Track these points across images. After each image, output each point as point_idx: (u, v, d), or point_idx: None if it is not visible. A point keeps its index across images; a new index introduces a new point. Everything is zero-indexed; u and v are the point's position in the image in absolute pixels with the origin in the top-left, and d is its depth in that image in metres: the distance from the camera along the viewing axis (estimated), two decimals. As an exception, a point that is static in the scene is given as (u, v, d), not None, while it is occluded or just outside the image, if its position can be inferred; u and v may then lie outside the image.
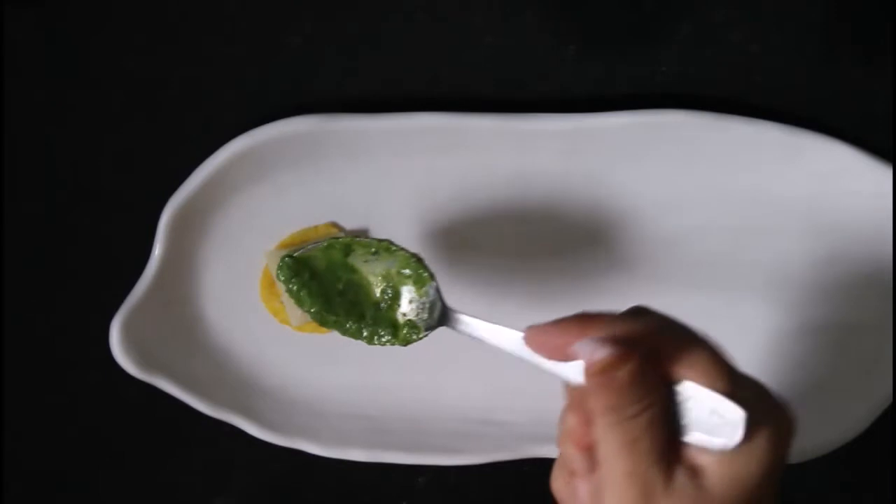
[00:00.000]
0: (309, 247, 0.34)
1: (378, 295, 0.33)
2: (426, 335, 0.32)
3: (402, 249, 0.33)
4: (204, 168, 0.36)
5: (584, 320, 0.26)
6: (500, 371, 0.38)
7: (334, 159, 0.36)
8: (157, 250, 0.36)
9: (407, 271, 0.33)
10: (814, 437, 0.36)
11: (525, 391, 0.37)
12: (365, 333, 0.33)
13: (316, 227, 0.37)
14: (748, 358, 0.37)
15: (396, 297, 0.33)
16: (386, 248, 0.33)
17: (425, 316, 0.32)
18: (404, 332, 0.32)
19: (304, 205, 0.37)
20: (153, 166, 0.37)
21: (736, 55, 0.37)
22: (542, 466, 0.38)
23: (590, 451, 0.26)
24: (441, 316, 0.32)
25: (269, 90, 0.37)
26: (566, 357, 0.26)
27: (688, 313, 0.37)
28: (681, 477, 0.25)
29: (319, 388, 0.38)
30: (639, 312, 0.27)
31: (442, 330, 0.38)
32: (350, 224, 0.37)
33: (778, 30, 0.37)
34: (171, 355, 0.36)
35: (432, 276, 0.32)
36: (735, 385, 0.25)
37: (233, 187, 0.36)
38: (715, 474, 0.25)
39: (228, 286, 0.37)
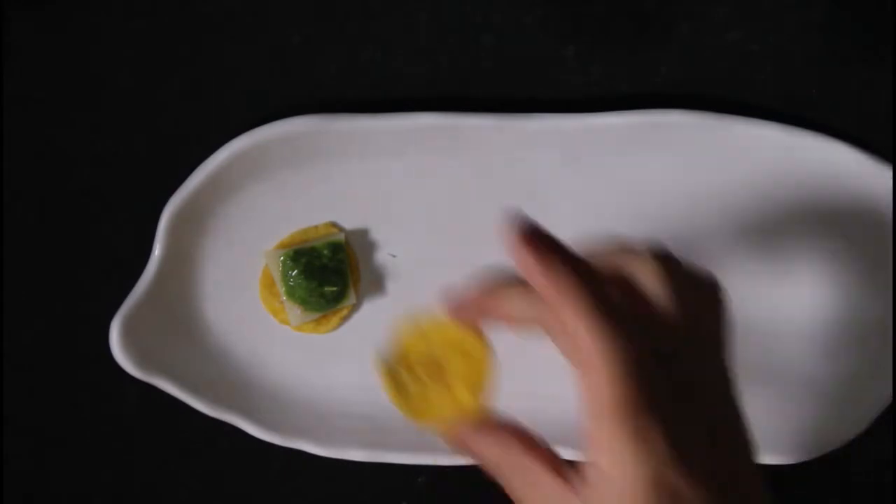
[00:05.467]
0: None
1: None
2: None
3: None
4: (204, 168, 0.36)
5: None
6: (499, 370, 0.38)
7: (334, 159, 0.36)
8: (157, 250, 0.36)
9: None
10: (814, 437, 0.36)
11: (524, 392, 0.37)
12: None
13: (316, 226, 0.37)
14: (746, 357, 0.37)
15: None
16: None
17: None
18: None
19: (304, 205, 0.37)
20: (153, 166, 0.37)
21: (736, 55, 0.37)
22: (542, 466, 0.38)
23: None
24: None
25: (269, 90, 0.37)
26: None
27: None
28: None
29: (319, 388, 0.38)
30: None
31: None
32: (350, 224, 0.37)
33: (778, 30, 0.37)
34: (171, 355, 0.36)
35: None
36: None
37: (233, 187, 0.36)
38: None
39: (228, 286, 0.37)
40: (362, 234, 0.37)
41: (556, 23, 0.37)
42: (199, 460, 0.38)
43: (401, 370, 0.31)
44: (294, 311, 0.36)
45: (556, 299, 0.26)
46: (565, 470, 0.28)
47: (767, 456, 0.36)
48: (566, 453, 0.36)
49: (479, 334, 0.31)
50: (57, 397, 0.38)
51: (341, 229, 0.37)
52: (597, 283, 0.27)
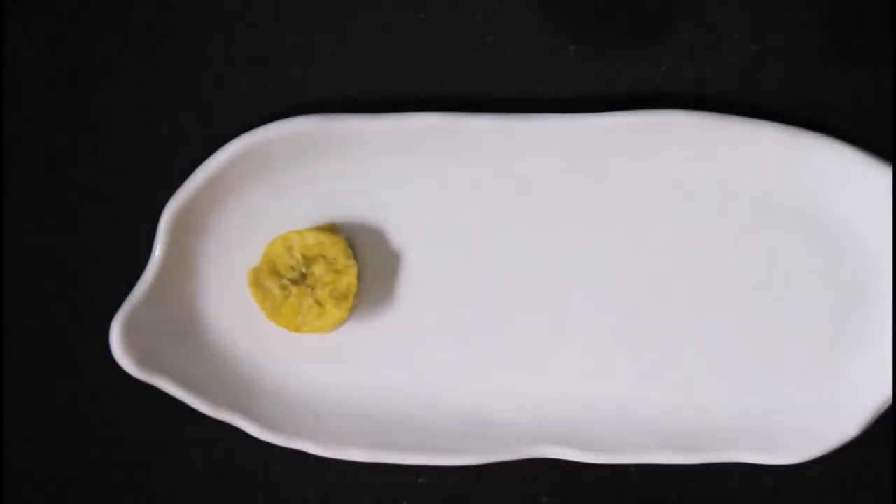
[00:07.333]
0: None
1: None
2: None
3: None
4: (204, 168, 0.36)
5: None
6: (500, 371, 0.38)
7: (334, 159, 0.36)
8: (157, 251, 0.36)
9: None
10: (813, 437, 0.36)
11: (525, 391, 0.37)
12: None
13: (317, 227, 0.37)
14: (745, 356, 0.37)
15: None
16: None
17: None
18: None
19: (304, 205, 0.37)
20: (153, 167, 0.37)
21: (736, 55, 0.37)
22: (543, 466, 0.38)
23: None
24: None
25: (269, 90, 0.37)
26: None
27: (686, 312, 0.37)
28: None
29: (319, 388, 0.38)
30: None
31: (443, 329, 0.38)
32: (350, 225, 0.37)
33: (778, 30, 0.37)
34: (171, 355, 0.36)
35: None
36: None
37: (233, 187, 0.36)
38: None
39: (228, 286, 0.37)
40: (362, 235, 0.37)
41: (556, 23, 0.37)
42: (199, 460, 0.38)
43: (268, 280, 0.35)
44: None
45: None
46: None
47: (767, 456, 0.36)
48: (567, 454, 0.36)
49: (345, 249, 0.35)
50: (57, 397, 0.38)
51: (341, 230, 0.37)
52: None
